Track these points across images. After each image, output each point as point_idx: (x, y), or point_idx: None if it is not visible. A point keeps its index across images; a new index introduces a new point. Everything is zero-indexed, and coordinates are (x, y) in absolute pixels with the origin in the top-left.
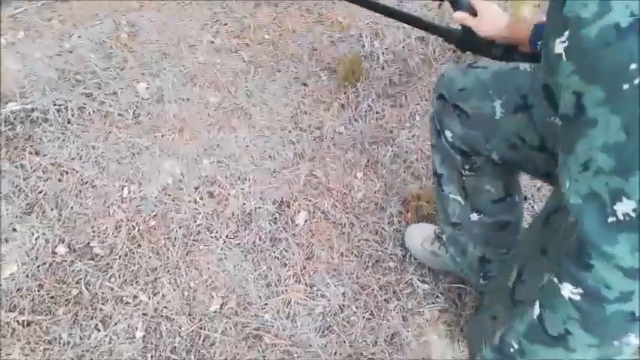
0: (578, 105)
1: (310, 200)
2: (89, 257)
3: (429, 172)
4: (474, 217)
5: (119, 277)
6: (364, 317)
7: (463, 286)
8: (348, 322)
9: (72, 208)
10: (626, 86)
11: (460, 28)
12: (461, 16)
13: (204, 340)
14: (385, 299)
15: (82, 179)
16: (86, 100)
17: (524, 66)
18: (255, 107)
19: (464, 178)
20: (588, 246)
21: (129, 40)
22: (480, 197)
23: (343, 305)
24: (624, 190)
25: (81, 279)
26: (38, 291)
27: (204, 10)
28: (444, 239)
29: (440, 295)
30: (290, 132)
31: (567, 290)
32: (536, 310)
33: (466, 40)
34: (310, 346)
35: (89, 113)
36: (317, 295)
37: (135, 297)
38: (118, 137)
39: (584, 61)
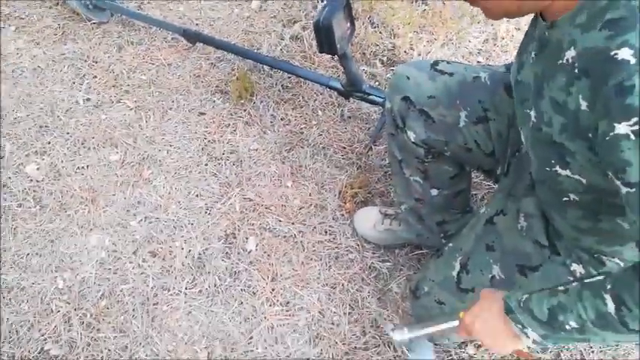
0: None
1: (253, 224)
2: None
3: (349, 160)
4: (434, 192)
5: None
6: (345, 313)
7: (421, 251)
8: (332, 323)
9: (8, 319)
10: None
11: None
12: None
13: None
14: (357, 289)
15: (6, 287)
16: None
17: (484, 75)
18: (161, 152)
19: (426, 164)
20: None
21: None
22: (440, 176)
23: (322, 310)
24: None
25: None
26: None
27: (65, 68)
28: (402, 210)
29: (402, 267)
30: (207, 165)
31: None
32: (611, 305)
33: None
34: (307, 359)
35: None
36: (295, 310)
37: None
38: (27, 229)
39: None
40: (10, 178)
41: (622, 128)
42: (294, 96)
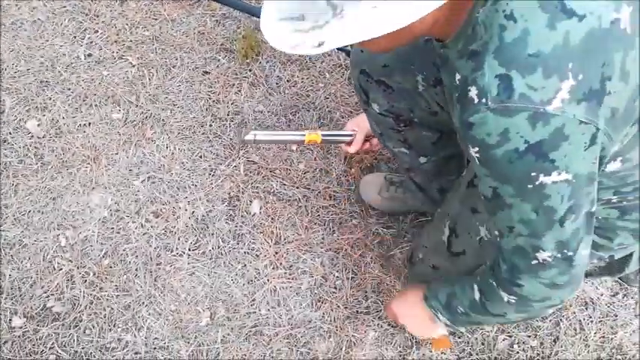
0: (495, 193)
1: (257, 187)
2: (52, 319)
3: None
4: (423, 160)
5: (94, 326)
6: (348, 278)
7: (425, 218)
8: (335, 287)
9: (10, 276)
10: (530, 186)
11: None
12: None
13: (207, 355)
14: (360, 255)
15: (7, 243)
16: None
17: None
18: (164, 111)
19: (402, 132)
20: (519, 274)
21: None
22: (422, 143)
23: (325, 274)
24: (540, 245)
25: (53, 343)
26: None
27: (66, 22)
28: (403, 181)
29: (406, 234)
30: (211, 126)
31: (505, 295)
32: (477, 294)
33: None
34: (309, 322)
35: None
36: (298, 273)
37: (119, 340)
38: (29, 186)
39: (495, 170)
40: (10, 133)
41: (472, 151)
42: (301, 57)
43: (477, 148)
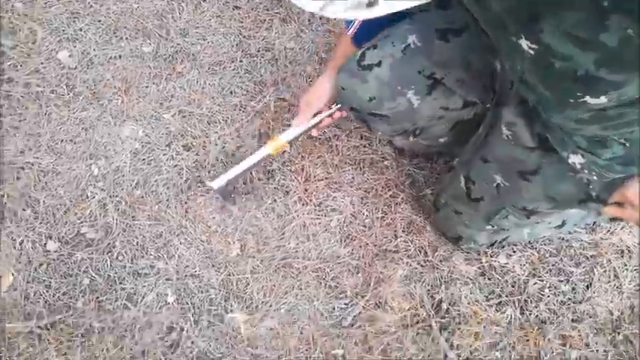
0: None
1: (288, 124)
2: (86, 244)
3: None
4: (441, 140)
5: (127, 253)
6: (378, 217)
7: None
8: (364, 225)
9: (44, 202)
10: None
11: None
12: None
13: (237, 285)
14: (391, 195)
15: (41, 170)
16: (9, 87)
17: (412, 39)
18: (194, 46)
19: (416, 138)
20: None
21: (27, 8)
22: (436, 134)
23: (355, 212)
24: None
25: (87, 267)
26: (47, 292)
27: None
28: None
29: (437, 175)
30: (241, 62)
31: None
32: None
33: None
34: (338, 257)
35: (18, 99)
36: (327, 210)
37: (152, 267)
38: (61, 116)
39: None
40: (42, 63)
41: None
42: None
43: None
